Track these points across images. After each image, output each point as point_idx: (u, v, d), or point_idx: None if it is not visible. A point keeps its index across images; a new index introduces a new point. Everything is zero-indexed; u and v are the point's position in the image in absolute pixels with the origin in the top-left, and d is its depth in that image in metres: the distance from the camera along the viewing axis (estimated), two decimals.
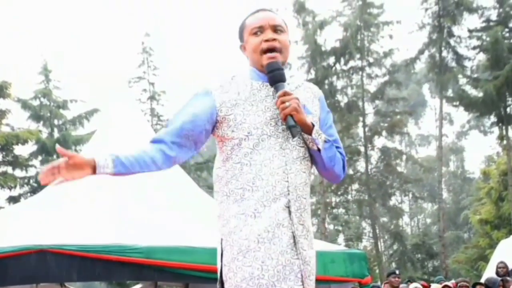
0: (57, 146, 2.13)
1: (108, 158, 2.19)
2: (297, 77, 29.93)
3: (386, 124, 33.32)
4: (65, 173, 2.14)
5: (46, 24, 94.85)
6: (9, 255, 5.34)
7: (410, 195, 38.73)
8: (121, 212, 6.46)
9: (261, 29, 2.34)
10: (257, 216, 2.20)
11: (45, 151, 26.59)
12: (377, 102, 33.38)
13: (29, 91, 27.84)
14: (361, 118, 32.60)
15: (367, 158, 32.93)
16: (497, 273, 10.44)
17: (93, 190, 6.90)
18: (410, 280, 12.97)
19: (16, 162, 25.20)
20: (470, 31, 28.99)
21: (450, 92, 29.76)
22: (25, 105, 26.93)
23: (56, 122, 28.19)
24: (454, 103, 29.15)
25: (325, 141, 2.29)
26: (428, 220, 50.19)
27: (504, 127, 27.55)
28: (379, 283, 15.82)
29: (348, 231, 39.35)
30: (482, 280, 10.56)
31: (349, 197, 35.40)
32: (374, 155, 34.36)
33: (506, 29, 27.58)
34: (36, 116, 27.38)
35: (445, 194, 42.96)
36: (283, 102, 2.21)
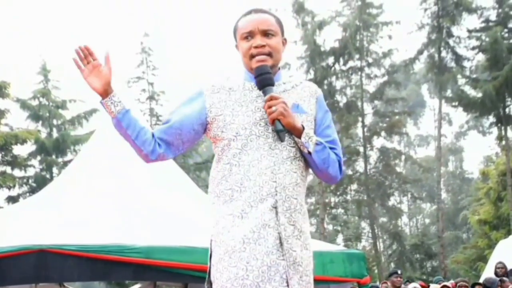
0: (106, 52, 2.19)
1: (123, 102, 2.25)
2: (297, 76, 29.93)
3: (385, 125, 33.34)
4: (90, 68, 2.23)
5: (45, 24, 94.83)
6: (8, 255, 5.34)
7: (409, 195, 38.72)
8: (120, 212, 6.46)
9: (251, 34, 2.34)
10: (244, 217, 2.20)
11: (44, 151, 26.58)
12: (376, 102, 33.40)
13: (28, 91, 27.85)
14: (360, 118, 32.61)
15: (366, 158, 32.95)
16: (496, 274, 10.44)
17: (92, 190, 6.90)
18: (409, 280, 12.98)
19: (15, 162, 25.20)
20: (469, 31, 29.01)
21: (449, 93, 29.78)
22: (24, 105, 26.90)
23: (55, 122, 28.15)
24: (453, 104, 29.16)
25: (316, 144, 2.27)
26: (427, 220, 50.23)
27: (503, 128, 27.56)
28: (378, 283, 15.83)
29: (347, 231, 39.36)
30: (481, 281, 10.57)
31: (348, 197, 35.40)
32: (373, 155, 34.39)
33: (505, 30, 27.59)
34: (35, 116, 27.36)
35: (444, 195, 42.97)
36: (270, 107, 2.22)
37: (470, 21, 31.04)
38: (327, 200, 32.76)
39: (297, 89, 2.41)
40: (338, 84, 32.06)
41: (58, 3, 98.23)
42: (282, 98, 2.24)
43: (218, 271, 2.22)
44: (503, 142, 27.75)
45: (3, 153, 24.58)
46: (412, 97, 45.37)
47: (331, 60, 31.01)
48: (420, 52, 30.41)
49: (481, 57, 29.01)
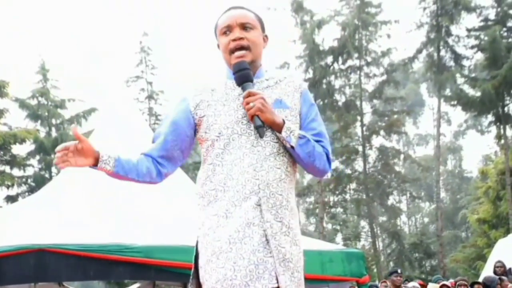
0: (72, 126, 2.16)
1: (111, 156, 2.23)
2: (296, 76, 29.91)
3: (384, 124, 33.35)
4: (71, 157, 2.15)
5: (44, 24, 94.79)
6: (7, 255, 5.34)
7: (408, 195, 38.76)
8: (119, 212, 6.46)
9: (229, 28, 2.34)
10: (229, 217, 2.19)
11: (43, 150, 26.57)
12: (375, 101, 33.42)
13: (27, 90, 27.82)
14: (359, 118, 32.62)
15: (365, 158, 32.97)
16: (495, 272, 10.45)
17: (91, 190, 6.90)
18: (408, 280, 12.98)
19: (14, 162, 25.18)
20: (468, 30, 29.00)
21: (448, 92, 29.78)
22: (22, 104, 26.89)
23: (54, 121, 28.15)
24: (452, 103, 29.15)
25: (299, 137, 2.24)
26: (426, 220, 50.26)
27: (502, 127, 27.58)
28: (377, 282, 15.84)
29: (346, 230, 39.39)
30: (480, 280, 10.58)
31: (347, 196, 35.42)
32: (372, 155, 34.41)
33: (504, 29, 27.61)
34: (34, 116, 27.34)
35: (443, 194, 43.00)
36: (248, 103, 2.21)
37: (469, 20, 31.15)
38: (326, 199, 32.78)
39: (281, 85, 2.39)
40: (337, 83, 32.10)
41: (57, 3, 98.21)
42: (260, 94, 2.23)
43: (207, 272, 2.21)
44: (502, 141, 27.77)
45: (1, 152, 24.56)
46: (411, 96, 45.36)
47: (330, 59, 31.01)
48: (419, 51, 30.42)
49: (480, 56, 29.04)
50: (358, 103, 32.46)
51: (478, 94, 26.84)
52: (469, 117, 39.41)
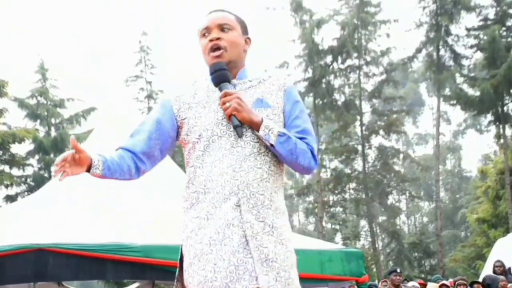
0: (72, 138, 2.15)
1: (99, 159, 2.22)
2: (296, 75, 29.95)
3: (383, 123, 33.36)
4: (68, 167, 2.13)
5: (44, 24, 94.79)
6: (6, 254, 5.34)
7: (407, 194, 38.76)
8: (118, 211, 6.46)
9: (208, 30, 2.34)
10: (210, 218, 2.20)
11: (42, 150, 26.55)
12: (374, 101, 33.43)
13: (26, 90, 27.80)
14: (358, 117, 32.63)
15: (364, 157, 32.98)
16: (494, 272, 10.44)
17: (91, 190, 6.89)
18: (407, 279, 12.98)
19: (13, 161, 25.15)
20: (467, 29, 29.01)
21: (447, 91, 29.79)
22: (22, 104, 26.85)
23: (53, 121, 28.11)
24: (451, 102, 29.15)
25: (279, 135, 2.22)
26: (425, 219, 50.30)
27: (501, 126, 27.58)
28: (376, 281, 15.85)
29: (346, 229, 39.40)
30: (480, 279, 10.58)
31: (347, 195, 35.43)
32: (371, 154, 34.43)
33: (504, 28, 27.61)
34: (33, 115, 27.31)
35: (442, 193, 43.01)
36: (224, 103, 2.22)
37: (469, 20, 31.17)
38: (325, 199, 32.78)
39: (265, 84, 2.38)
40: (336, 82, 32.10)
41: (57, 3, 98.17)
42: (236, 93, 2.23)
43: (190, 275, 2.21)
44: (501, 141, 27.78)
45: (1, 152, 24.54)
46: (410, 95, 45.36)
47: (329, 58, 31.00)
48: (418, 50, 30.42)
49: (479, 55, 29.05)
50: (357, 102, 32.47)
51: (478, 93, 26.84)
52: (468, 116, 39.43)
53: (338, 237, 40.05)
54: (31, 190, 24.20)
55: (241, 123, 2.21)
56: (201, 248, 2.18)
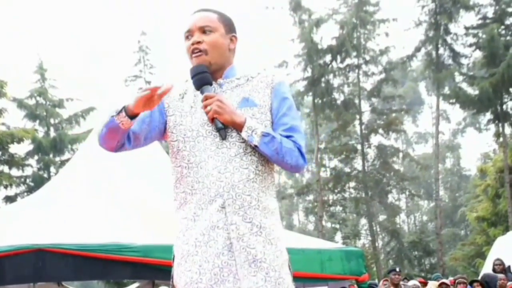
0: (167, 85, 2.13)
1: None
2: (295, 75, 29.94)
3: (382, 122, 33.37)
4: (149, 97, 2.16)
5: (44, 23, 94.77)
6: (6, 255, 5.34)
7: (407, 193, 38.76)
8: (118, 211, 6.46)
9: (190, 33, 2.33)
10: (196, 220, 2.20)
11: (41, 150, 26.52)
12: (373, 100, 33.44)
13: (25, 90, 27.75)
14: (357, 116, 32.64)
15: (364, 156, 32.98)
16: (494, 270, 10.45)
17: (90, 189, 6.89)
18: (407, 278, 12.99)
19: (12, 161, 25.12)
20: (466, 28, 29.01)
21: (446, 90, 29.80)
22: (20, 104, 26.82)
23: (52, 121, 28.07)
24: (451, 101, 29.17)
25: (263, 135, 2.20)
26: (425, 218, 50.29)
27: (500, 124, 27.59)
28: (376, 280, 15.86)
29: (346, 229, 39.40)
30: (480, 278, 10.59)
31: (346, 195, 35.42)
32: (371, 153, 34.42)
33: (502, 27, 27.62)
34: (32, 115, 27.27)
35: (442, 192, 43.03)
36: (206, 106, 2.21)
37: (467, 18, 31.04)
38: (325, 198, 32.78)
39: (252, 82, 2.36)
40: (336, 82, 32.09)
41: (57, 3, 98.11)
42: (217, 96, 2.22)
43: (178, 275, 2.23)
44: (501, 139, 27.79)
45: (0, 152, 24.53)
46: (410, 94, 45.37)
47: (328, 58, 30.99)
48: (417, 49, 30.43)
49: (478, 54, 29.07)
50: (356, 101, 32.48)
51: (477, 92, 26.87)
52: (467, 115, 39.43)
53: (338, 236, 40.05)
54: (30, 190, 24.19)
55: (224, 126, 2.20)
56: (188, 249, 2.20)
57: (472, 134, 48.27)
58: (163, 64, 48.11)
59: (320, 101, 31.23)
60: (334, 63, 31.23)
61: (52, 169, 26.74)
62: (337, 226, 40.32)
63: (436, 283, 10.37)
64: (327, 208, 34.62)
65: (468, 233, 39.88)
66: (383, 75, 32.35)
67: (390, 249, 36.82)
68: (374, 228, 35.07)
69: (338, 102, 31.94)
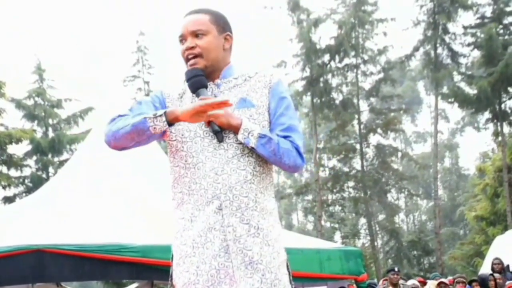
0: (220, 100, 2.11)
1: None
2: (293, 74, 29.95)
3: (381, 122, 33.38)
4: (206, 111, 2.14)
5: (43, 24, 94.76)
6: (5, 255, 5.33)
7: (406, 192, 38.79)
8: (117, 211, 6.46)
9: (183, 37, 2.33)
10: (193, 221, 2.21)
11: (40, 150, 26.50)
12: (372, 99, 33.46)
13: (23, 90, 27.73)
14: (356, 116, 32.65)
15: (363, 156, 32.99)
16: (493, 269, 10.47)
17: (89, 190, 6.89)
18: (404, 278, 12.97)
19: (11, 162, 25.10)
20: (464, 28, 29.05)
21: (445, 89, 29.83)
22: (19, 104, 26.80)
23: (50, 121, 28.05)
24: (449, 100, 29.20)
25: (259, 137, 2.20)
26: (424, 217, 50.34)
27: (499, 124, 27.62)
28: (375, 280, 15.85)
29: (345, 228, 39.41)
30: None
31: (345, 194, 35.44)
32: (370, 153, 34.42)
33: (500, 26, 27.67)
34: (30, 116, 27.25)
35: (440, 191, 43.07)
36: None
37: (466, 18, 31.05)
38: (324, 198, 32.79)
39: (250, 81, 2.35)
40: (334, 81, 32.10)
41: (56, 3, 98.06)
42: (212, 99, 2.20)
43: (177, 275, 2.25)
44: (499, 138, 27.81)
45: None
46: (408, 94, 45.39)
47: (326, 57, 31.00)
48: (415, 49, 30.45)
49: (476, 53, 29.10)
50: (355, 101, 32.50)
51: (475, 91, 26.90)
52: (466, 114, 39.46)
53: (337, 235, 40.06)
54: (29, 191, 24.16)
55: (221, 128, 2.20)
56: (186, 250, 2.21)
57: (470, 133, 48.40)
58: (164, 64, 48.11)
59: (318, 101, 31.24)
60: (332, 63, 31.25)
61: (51, 170, 26.72)
62: (336, 225, 40.35)
63: (435, 282, 10.37)
64: (326, 208, 34.64)
65: (467, 233, 39.92)
66: (381, 75, 32.36)
67: (389, 248, 36.84)
68: (373, 227, 35.09)
69: (337, 101, 31.94)
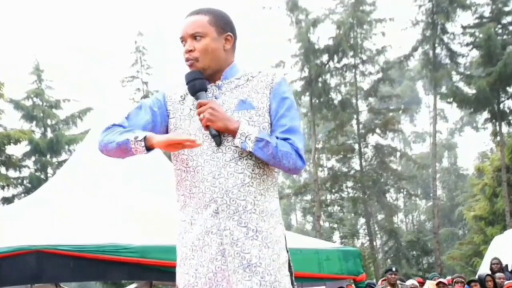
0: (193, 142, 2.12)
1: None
2: (292, 75, 29.93)
3: (379, 122, 33.38)
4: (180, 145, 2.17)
5: (41, 24, 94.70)
6: (3, 256, 5.32)
7: (405, 192, 38.79)
8: (115, 212, 6.45)
9: (183, 39, 2.34)
10: (193, 224, 2.24)
11: (39, 151, 26.49)
12: (370, 99, 33.45)
13: (22, 91, 27.73)
14: (354, 116, 32.66)
15: (361, 156, 33.00)
16: (491, 269, 10.48)
17: (88, 190, 6.89)
18: (402, 279, 12.98)
19: (9, 163, 25.09)
20: (463, 27, 29.06)
21: (443, 89, 29.84)
22: (17, 105, 26.79)
23: (49, 122, 28.02)
24: (448, 100, 29.20)
25: (257, 140, 2.19)
26: (423, 217, 50.34)
27: (497, 123, 27.63)
28: (374, 280, 15.86)
29: (343, 228, 39.41)
30: (477, 277, 10.61)
31: (344, 194, 35.45)
32: (368, 153, 34.44)
33: (499, 26, 27.69)
34: (29, 116, 27.22)
35: (439, 191, 43.06)
36: (199, 114, 2.22)
37: (464, 18, 31.05)
38: (323, 198, 32.78)
39: (252, 82, 2.34)
40: (333, 81, 32.09)
41: (55, 3, 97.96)
42: (210, 103, 2.21)
43: (178, 276, 2.29)
44: (498, 138, 27.83)
45: None
46: (407, 94, 45.41)
47: (325, 57, 30.99)
48: (414, 49, 30.47)
49: (475, 53, 29.12)
50: (353, 101, 32.49)
51: (474, 91, 26.92)
52: (464, 114, 39.47)
53: (336, 236, 40.04)
54: (27, 191, 24.13)
55: (218, 133, 2.21)
56: (186, 252, 2.25)
57: (469, 133, 48.46)
58: (162, 64, 48.11)
59: (317, 101, 31.24)
60: (331, 63, 31.24)
61: (49, 170, 26.71)
62: (335, 225, 40.33)
63: (434, 282, 10.38)
64: (325, 208, 34.61)
65: (466, 232, 39.94)
66: (380, 75, 32.36)
67: (388, 248, 36.83)
68: (372, 227, 35.12)
69: (335, 102, 31.92)
